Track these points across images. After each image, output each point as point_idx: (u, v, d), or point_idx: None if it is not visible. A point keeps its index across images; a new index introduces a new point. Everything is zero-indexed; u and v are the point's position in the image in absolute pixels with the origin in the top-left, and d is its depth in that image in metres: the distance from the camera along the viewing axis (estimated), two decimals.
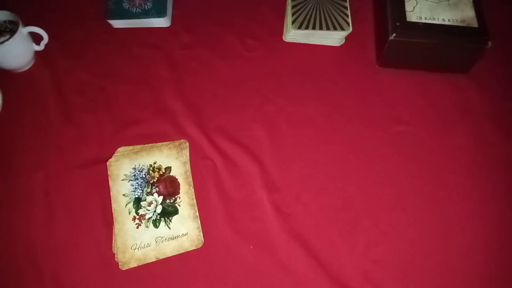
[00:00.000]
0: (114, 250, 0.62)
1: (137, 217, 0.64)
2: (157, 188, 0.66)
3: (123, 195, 0.65)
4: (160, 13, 0.79)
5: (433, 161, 0.69)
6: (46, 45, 0.76)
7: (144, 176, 0.66)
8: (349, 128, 0.72)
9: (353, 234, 0.63)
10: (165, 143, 0.69)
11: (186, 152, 0.68)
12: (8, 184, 0.66)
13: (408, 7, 0.72)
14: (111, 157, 0.68)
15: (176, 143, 0.69)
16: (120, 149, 0.69)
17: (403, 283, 0.60)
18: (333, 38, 0.78)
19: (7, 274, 0.60)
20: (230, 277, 0.60)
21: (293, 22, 0.76)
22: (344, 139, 0.71)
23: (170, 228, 0.63)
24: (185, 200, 0.65)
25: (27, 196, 0.65)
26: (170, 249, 0.62)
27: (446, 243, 0.63)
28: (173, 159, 0.68)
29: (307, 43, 0.80)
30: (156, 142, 0.69)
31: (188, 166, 0.68)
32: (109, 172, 0.66)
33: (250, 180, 0.67)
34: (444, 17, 0.71)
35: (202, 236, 0.63)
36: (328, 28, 0.76)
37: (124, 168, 0.67)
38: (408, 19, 0.71)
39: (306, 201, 0.66)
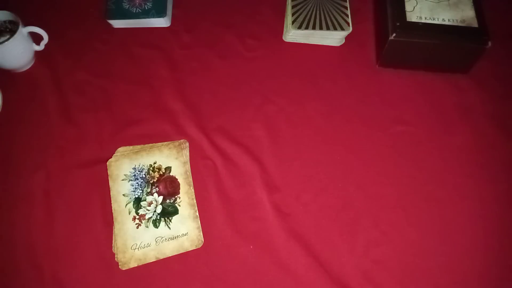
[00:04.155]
0: (114, 250, 0.62)
1: (137, 217, 0.64)
2: (157, 188, 0.66)
3: (123, 195, 0.65)
4: (160, 13, 0.79)
5: (433, 161, 0.69)
6: (46, 45, 0.75)
7: (144, 176, 0.66)
8: (349, 128, 0.72)
9: (353, 234, 0.63)
10: (165, 143, 0.69)
11: (186, 152, 0.68)
12: (8, 184, 0.66)
13: (408, 7, 0.72)
14: (111, 157, 0.68)
15: (176, 143, 0.69)
16: (120, 149, 0.69)
17: (403, 283, 0.60)
18: (333, 38, 0.78)
19: (7, 274, 0.60)
20: (230, 277, 0.60)
21: (293, 22, 0.76)
22: (344, 139, 0.71)
23: (170, 228, 0.63)
24: (185, 200, 0.65)
25: (27, 196, 0.65)
26: (170, 249, 0.62)
27: (446, 243, 0.63)
28: (173, 159, 0.68)
29: (307, 43, 0.80)
30: (156, 142, 0.69)
31: (188, 166, 0.68)
32: (109, 172, 0.66)
33: (250, 180, 0.67)
34: (444, 17, 0.71)
35: (202, 236, 0.63)
36: (328, 28, 0.76)
37: (124, 168, 0.67)
38: (408, 19, 0.71)
39: (306, 201, 0.66)
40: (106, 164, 0.67)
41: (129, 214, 0.64)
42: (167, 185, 0.66)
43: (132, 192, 0.65)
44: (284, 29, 0.80)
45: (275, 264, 0.61)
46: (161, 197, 0.65)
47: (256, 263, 0.61)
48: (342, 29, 0.76)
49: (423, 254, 0.62)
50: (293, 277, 0.60)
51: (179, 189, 0.66)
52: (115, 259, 0.61)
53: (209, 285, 0.60)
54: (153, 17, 0.79)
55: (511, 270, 0.61)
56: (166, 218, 0.64)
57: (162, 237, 0.62)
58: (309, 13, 0.77)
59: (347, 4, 0.78)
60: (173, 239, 0.62)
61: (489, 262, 0.62)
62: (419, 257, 0.62)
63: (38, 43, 0.75)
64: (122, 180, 0.66)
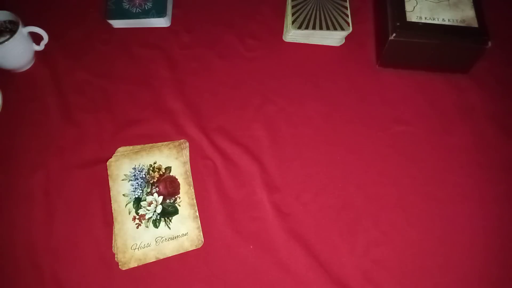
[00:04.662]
0: (114, 250, 0.62)
1: (137, 217, 0.64)
2: (157, 188, 0.66)
3: (123, 195, 0.65)
4: (160, 13, 0.79)
5: (433, 161, 0.69)
6: (46, 45, 0.75)
7: (144, 176, 0.66)
8: (349, 128, 0.72)
9: (353, 234, 0.63)
10: (165, 143, 0.69)
11: (186, 152, 0.68)
12: (8, 184, 0.66)
13: (408, 7, 0.72)
14: (111, 157, 0.68)
15: (176, 143, 0.69)
16: (120, 149, 0.69)
17: (403, 283, 0.60)
18: (333, 38, 0.78)
19: (7, 274, 0.60)
20: (230, 277, 0.60)
21: (293, 22, 0.76)
22: (344, 139, 0.71)
23: (170, 228, 0.63)
24: (185, 200, 0.65)
25: (27, 196, 0.65)
26: (170, 249, 0.62)
27: (446, 243, 0.63)
28: (173, 159, 0.68)
29: (307, 43, 0.80)
30: (156, 142, 0.69)
31: (188, 166, 0.68)
32: (109, 172, 0.66)
33: (250, 180, 0.67)
34: (444, 17, 0.71)
35: (202, 236, 0.63)
36: (328, 28, 0.76)
37: (124, 168, 0.67)
38: (408, 19, 0.71)
39: (306, 201, 0.66)
40: (106, 164, 0.67)
41: (129, 214, 0.64)
42: (167, 185, 0.66)
43: (132, 192, 0.65)
44: (284, 29, 0.80)
45: (275, 264, 0.61)
46: (161, 197, 0.65)
47: (256, 263, 0.61)
48: (342, 29, 0.76)
49: (423, 254, 0.62)
50: (293, 277, 0.60)
51: (179, 189, 0.66)
52: (115, 259, 0.61)
53: (209, 285, 0.60)
54: (153, 17, 0.79)
55: (511, 270, 0.61)
56: (166, 218, 0.64)
57: (162, 237, 0.62)
58: (309, 13, 0.77)
59: (347, 4, 0.78)
60: (173, 239, 0.62)
61: (489, 262, 0.62)
62: (419, 257, 0.62)
63: (38, 43, 0.75)
64: (122, 180, 0.66)
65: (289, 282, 0.60)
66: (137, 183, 0.66)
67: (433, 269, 0.61)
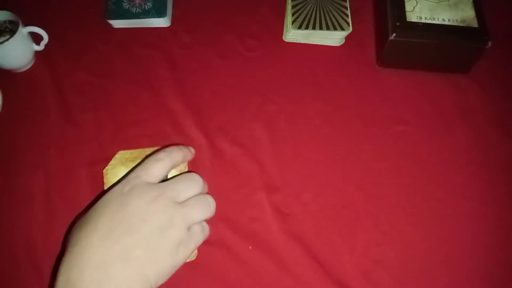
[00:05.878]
0: None
1: None
2: None
3: None
4: (160, 13, 0.79)
5: (433, 161, 0.69)
6: (46, 45, 0.75)
7: None
8: (349, 128, 0.72)
9: (353, 234, 0.63)
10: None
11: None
12: (8, 184, 0.66)
13: (408, 7, 0.72)
14: (111, 157, 0.67)
15: None
16: (117, 155, 0.65)
17: (403, 283, 0.60)
18: (333, 38, 0.78)
19: (7, 274, 0.60)
20: (229, 277, 0.60)
21: (293, 22, 0.76)
22: (344, 139, 0.71)
23: None
24: None
25: (27, 196, 0.65)
26: None
27: (446, 243, 0.63)
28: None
29: (307, 43, 0.80)
30: (156, 143, 0.69)
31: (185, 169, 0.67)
32: (105, 180, 0.64)
33: (249, 180, 0.67)
34: (444, 17, 0.71)
35: None
36: (328, 28, 0.76)
37: (121, 176, 0.65)
38: (408, 19, 0.71)
39: (306, 201, 0.65)
40: (103, 172, 0.66)
41: None
42: None
43: None
44: (284, 29, 0.80)
45: (274, 264, 0.61)
46: None
47: (255, 263, 0.61)
48: (342, 29, 0.76)
49: (423, 254, 0.62)
50: (293, 277, 0.60)
51: None
52: None
53: (209, 285, 0.60)
54: (153, 17, 0.79)
55: (511, 270, 0.61)
56: None
57: None
58: (309, 13, 0.77)
59: (347, 4, 0.79)
60: None
61: (489, 262, 0.62)
62: (419, 257, 0.62)
63: (38, 43, 0.75)
64: None
65: (289, 282, 0.60)
66: None
67: (433, 269, 0.61)
